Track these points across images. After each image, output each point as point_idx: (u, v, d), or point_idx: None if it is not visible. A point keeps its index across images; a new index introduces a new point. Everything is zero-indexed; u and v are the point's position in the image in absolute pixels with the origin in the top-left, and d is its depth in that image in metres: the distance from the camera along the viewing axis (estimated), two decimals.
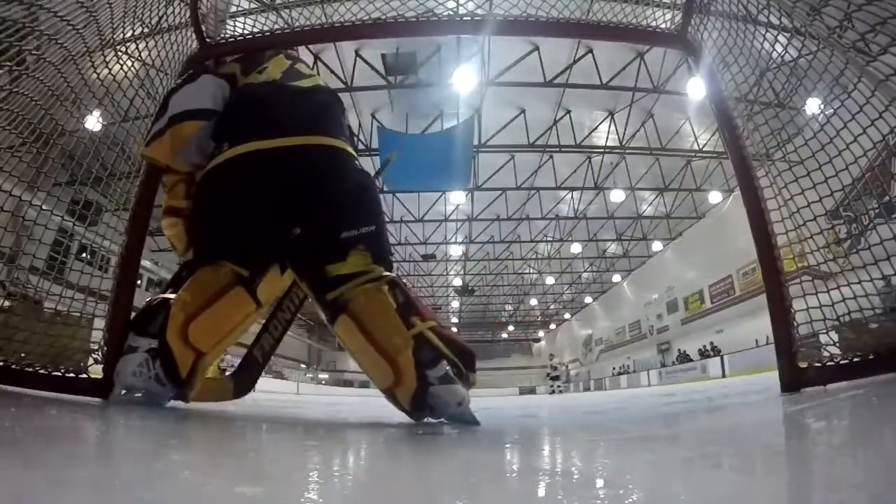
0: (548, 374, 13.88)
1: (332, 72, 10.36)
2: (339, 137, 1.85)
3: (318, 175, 1.74)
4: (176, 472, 0.74)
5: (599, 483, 0.68)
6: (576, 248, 20.30)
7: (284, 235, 1.73)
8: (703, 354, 17.05)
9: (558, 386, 13.43)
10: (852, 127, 1.69)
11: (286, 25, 2.68)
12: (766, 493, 0.56)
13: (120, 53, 1.99)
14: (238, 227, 1.70)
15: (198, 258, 1.79)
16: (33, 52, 1.58)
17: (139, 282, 1.96)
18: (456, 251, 20.91)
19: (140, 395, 1.60)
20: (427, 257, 21.08)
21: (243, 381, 2.17)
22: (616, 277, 26.23)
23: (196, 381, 1.66)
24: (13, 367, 1.62)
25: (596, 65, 10.46)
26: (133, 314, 1.82)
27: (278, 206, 1.70)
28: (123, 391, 1.60)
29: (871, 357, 1.60)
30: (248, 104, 1.88)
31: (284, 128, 1.74)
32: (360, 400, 4.99)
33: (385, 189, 14.25)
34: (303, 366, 34.33)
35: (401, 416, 1.72)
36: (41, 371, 1.67)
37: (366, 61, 10.25)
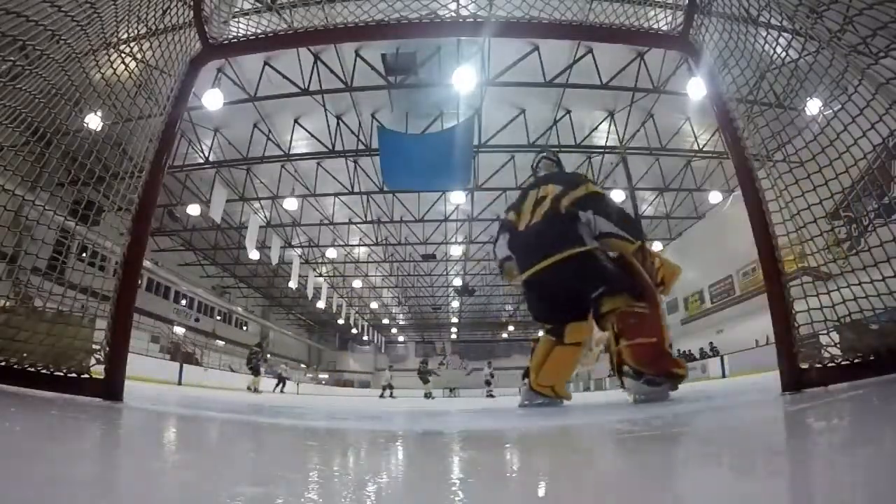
0: (485, 381, 16.57)
1: (332, 72, 10.37)
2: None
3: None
4: (176, 472, 0.74)
5: (600, 483, 0.68)
6: None
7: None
8: (703, 355, 17.05)
9: (489, 392, 16.07)
10: (852, 129, 1.69)
11: (288, 26, 2.67)
12: (766, 493, 0.56)
13: (123, 54, 1.99)
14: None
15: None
16: (37, 47, 1.58)
17: (139, 282, 1.96)
18: (456, 251, 20.88)
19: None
20: (427, 257, 21.07)
21: None
22: None
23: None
24: (15, 366, 1.63)
25: (596, 65, 10.45)
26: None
27: None
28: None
29: (871, 358, 1.60)
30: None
31: None
32: (360, 400, 4.99)
33: (385, 189, 14.24)
34: (303, 366, 34.28)
35: (400, 416, 1.72)
36: (43, 371, 1.67)
37: (366, 61, 10.24)
